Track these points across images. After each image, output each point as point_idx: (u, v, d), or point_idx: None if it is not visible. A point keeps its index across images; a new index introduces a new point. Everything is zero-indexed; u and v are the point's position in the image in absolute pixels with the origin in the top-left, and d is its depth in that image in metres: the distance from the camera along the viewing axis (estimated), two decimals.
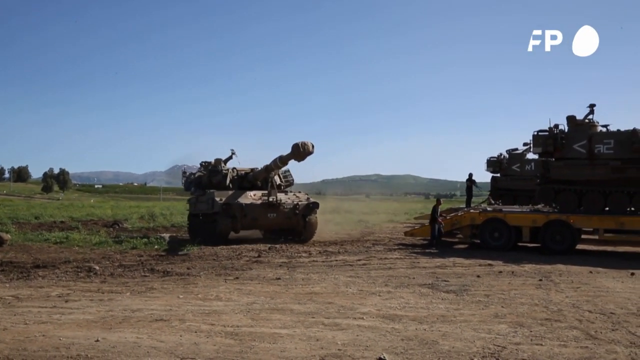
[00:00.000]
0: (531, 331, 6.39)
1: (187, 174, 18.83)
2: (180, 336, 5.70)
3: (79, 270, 10.11)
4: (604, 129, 15.36)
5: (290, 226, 16.71)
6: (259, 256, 12.91)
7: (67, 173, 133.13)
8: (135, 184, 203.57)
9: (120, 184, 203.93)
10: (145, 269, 10.40)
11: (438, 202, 16.93)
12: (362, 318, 6.80)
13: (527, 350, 5.60)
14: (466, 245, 16.36)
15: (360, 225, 24.53)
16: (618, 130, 15.02)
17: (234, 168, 18.10)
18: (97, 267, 10.22)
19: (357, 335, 5.95)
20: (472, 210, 16.98)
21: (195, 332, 5.88)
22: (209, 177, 17.55)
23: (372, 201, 65.43)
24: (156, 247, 14.63)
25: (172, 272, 10.01)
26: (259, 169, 17.62)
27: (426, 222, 21.01)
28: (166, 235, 17.36)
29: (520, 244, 15.38)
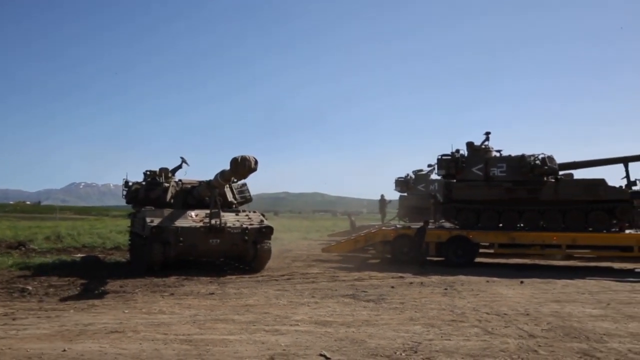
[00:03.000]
0: (441, 330, 7.54)
1: (130, 184, 16.09)
2: (140, 344, 6.25)
3: (11, 290, 10.12)
4: (498, 154, 17.35)
5: (237, 254, 14.17)
6: (187, 274, 13.28)
7: None
8: (28, 203, 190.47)
9: (11, 202, 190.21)
10: (77, 288, 10.58)
11: (426, 224, 16.46)
12: (298, 324, 7.66)
13: (439, 345, 6.70)
14: (378, 260, 17.67)
15: (276, 242, 25.28)
16: (509, 155, 17.05)
17: (179, 180, 15.89)
18: (30, 288, 10.27)
19: (297, 338, 6.80)
20: (384, 228, 18.37)
21: (152, 340, 6.46)
22: (147, 190, 15.32)
23: (282, 219, 66.30)
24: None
25: (107, 290, 10.30)
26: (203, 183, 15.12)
27: (341, 238, 22.31)
28: (78, 256, 16.75)
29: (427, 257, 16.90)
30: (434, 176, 26.29)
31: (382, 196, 26.82)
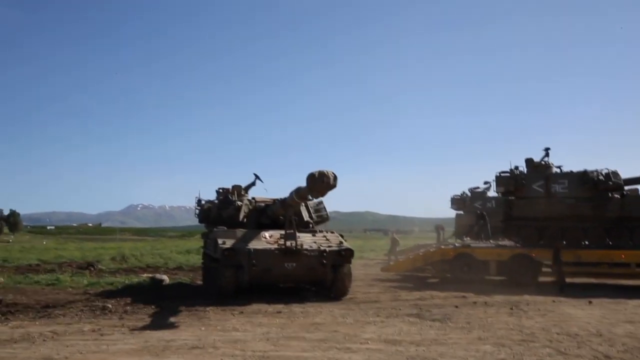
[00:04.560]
0: (512, 349, 7.52)
1: (202, 202, 15.52)
2: (222, 359, 6.59)
3: (94, 308, 10.77)
4: (559, 170, 17.08)
5: (315, 279, 13.04)
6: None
7: (18, 214, 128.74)
8: (90, 225, 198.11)
9: (74, 224, 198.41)
10: (152, 306, 11.11)
11: (560, 244, 15.65)
12: (367, 343, 7.82)
13: None
14: (438, 280, 17.58)
15: None
16: (571, 171, 16.75)
17: (252, 198, 15.05)
18: (110, 306, 10.89)
19: (369, 356, 6.96)
20: (442, 246, 18.29)
21: (232, 356, 6.79)
22: (219, 209, 14.55)
23: None
24: (147, 286, 15.20)
25: (181, 309, 10.78)
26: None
27: (400, 257, 22.30)
28: (145, 276, 17.23)
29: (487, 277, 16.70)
30: (490, 193, 26.03)
31: (437, 227, 26.78)
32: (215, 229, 13.45)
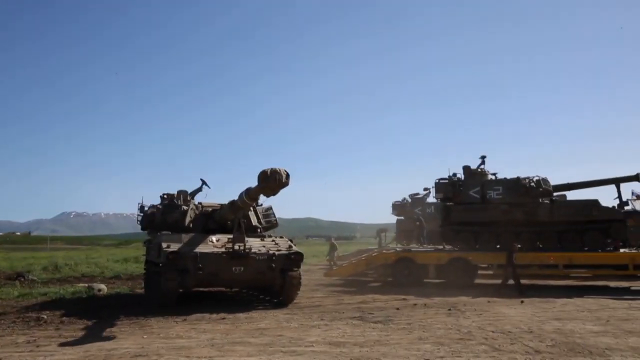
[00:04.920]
0: (450, 348, 7.82)
1: (145, 208, 14.99)
2: None
3: (27, 320, 10.30)
4: (494, 177, 17.85)
5: (263, 283, 12.87)
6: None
7: None
8: (18, 233, 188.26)
9: (0, 233, 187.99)
10: (90, 317, 10.76)
11: (514, 248, 15.79)
12: (312, 345, 7.92)
13: None
14: (379, 283, 17.94)
15: None
16: (505, 178, 17.54)
17: (199, 203, 14.70)
18: (46, 317, 10.45)
19: (314, 358, 7.07)
20: (384, 251, 18.69)
21: None
22: (164, 213, 14.07)
23: None
24: (85, 295, 14.69)
25: (121, 318, 10.50)
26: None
27: (338, 262, 22.58)
28: (81, 286, 16.62)
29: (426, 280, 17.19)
30: (429, 199, 26.78)
31: (378, 231, 27.32)
32: (159, 234, 12.97)
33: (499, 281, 17.53)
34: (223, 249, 12.10)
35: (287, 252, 12.70)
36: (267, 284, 12.80)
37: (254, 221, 14.26)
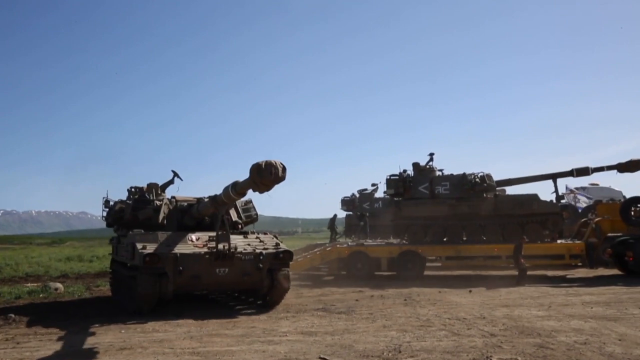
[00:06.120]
0: (414, 334, 8.43)
1: (111, 203, 13.82)
2: (156, 357, 6.75)
3: None
4: (441, 173, 18.75)
5: (250, 285, 11.63)
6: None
7: None
8: None
9: None
10: (58, 315, 10.69)
11: (522, 240, 16.24)
12: (286, 335, 8.34)
13: (417, 345, 7.57)
14: (333, 277, 18.49)
15: None
16: (452, 174, 18.48)
17: (172, 197, 13.42)
18: (13, 315, 10.30)
19: (292, 346, 7.48)
20: (338, 246, 19.25)
21: (163, 354, 6.95)
22: (134, 209, 12.81)
23: None
24: (41, 295, 14.41)
25: (91, 314, 10.55)
26: (206, 199, 12.38)
27: (296, 257, 22.97)
28: (33, 285, 16.19)
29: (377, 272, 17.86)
30: (377, 195, 27.58)
31: (335, 215, 27.80)
32: (130, 233, 11.86)
33: (446, 272, 18.55)
34: (205, 249, 11.01)
35: (274, 250, 11.66)
36: (253, 287, 11.70)
37: (234, 217, 13.29)
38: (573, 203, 21.35)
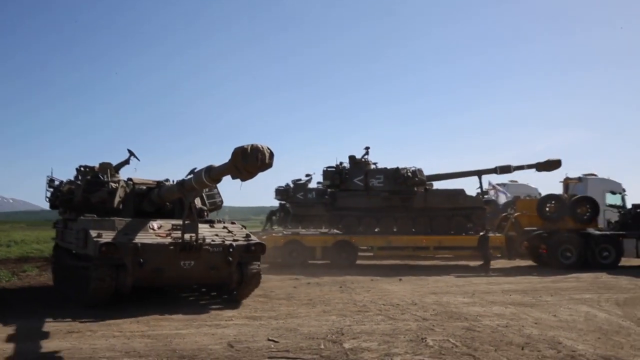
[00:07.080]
0: (353, 318, 8.97)
1: (57, 183, 12.68)
2: (106, 340, 6.87)
3: None
4: (375, 167, 19.49)
5: (217, 280, 10.64)
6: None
7: None
8: None
9: None
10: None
11: (487, 232, 17.90)
12: (232, 319, 8.65)
13: (357, 328, 8.11)
14: (267, 265, 18.79)
15: None
16: (386, 167, 19.25)
17: (128, 179, 12.14)
18: None
19: (240, 330, 7.82)
20: (273, 234, 19.57)
21: (114, 337, 7.09)
22: (86, 191, 11.46)
23: None
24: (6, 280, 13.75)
25: (30, 301, 10.36)
26: (171, 183, 11.39)
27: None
28: None
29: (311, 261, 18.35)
30: (311, 185, 28.09)
31: (268, 216, 28.11)
32: (81, 218, 10.59)
33: (377, 262, 19.35)
34: (169, 239, 9.92)
35: (245, 242, 10.63)
36: (221, 281, 10.70)
37: (199, 203, 11.85)
38: (495, 198, 22.77)
